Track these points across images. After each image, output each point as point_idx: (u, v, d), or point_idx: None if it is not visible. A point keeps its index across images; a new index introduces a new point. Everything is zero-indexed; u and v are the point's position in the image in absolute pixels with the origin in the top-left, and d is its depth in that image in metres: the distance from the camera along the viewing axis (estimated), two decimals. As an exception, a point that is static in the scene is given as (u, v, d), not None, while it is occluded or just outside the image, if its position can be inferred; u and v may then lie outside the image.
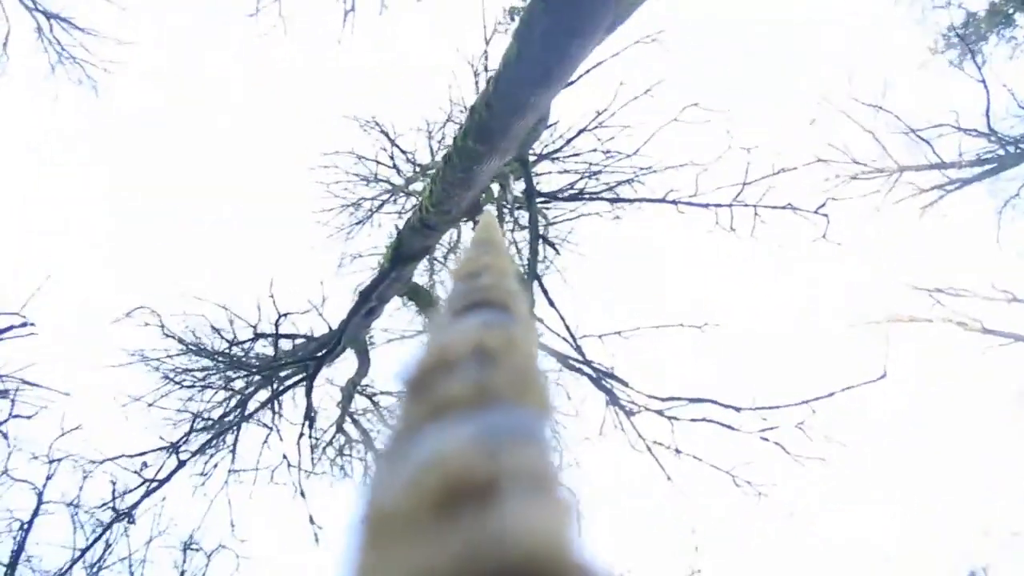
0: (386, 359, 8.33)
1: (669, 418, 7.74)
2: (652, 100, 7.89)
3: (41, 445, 6.88)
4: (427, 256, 6.01)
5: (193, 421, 7.14)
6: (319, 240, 8.72)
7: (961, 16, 12.26)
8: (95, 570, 7.20)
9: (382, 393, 8.44)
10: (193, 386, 7.64)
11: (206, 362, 7.71)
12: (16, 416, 6.33)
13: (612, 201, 7.69)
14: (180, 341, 7.40)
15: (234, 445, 7.47)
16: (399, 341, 8.17)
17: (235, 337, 7.75)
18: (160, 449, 6.89)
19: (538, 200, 7.77)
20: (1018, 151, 10.49)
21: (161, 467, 6.56)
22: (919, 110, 12.61)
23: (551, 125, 7.00)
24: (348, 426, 8.39)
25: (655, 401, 7.74)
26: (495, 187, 7.87)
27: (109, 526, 6.45)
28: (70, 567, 6.57)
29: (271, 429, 7.28)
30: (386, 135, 8.92)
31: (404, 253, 5.70)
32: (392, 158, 9.04)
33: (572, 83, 6.58)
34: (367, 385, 8.42)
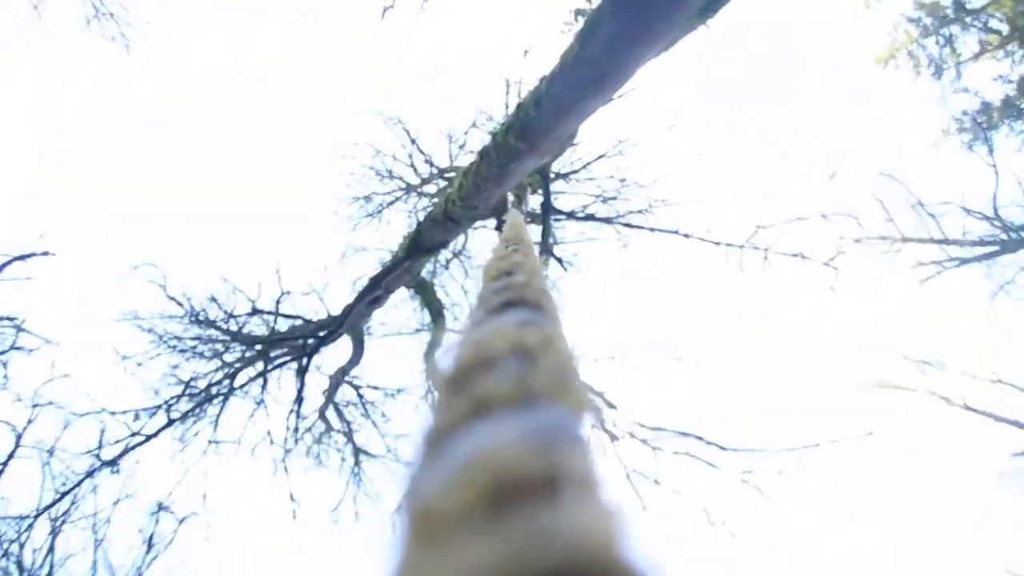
0: (379, 352, 8.35)
1: (653, 448, 7.78)
2: (676, 130, 8.04)
3: (26, 389, 6.83)
4: (442, 250, 6.06)
5: (185, 388, 7.12)
6: (327, 229, 8.76)
7: (977, 103, 12.56)
8: (59, 524, 7.12)
9: (369, 387, 8.43)
10: (184, 351, 7.61)
11: (200, 330, 7.70)
12: (18, 348, 6.28)
13: (626, 226, 7.78)
14: (179, 305, 7.38)
15: (217, 416, 7.43)
16: (395, 336, 8.20)
17: (233, 310, 7.74)
18: (149, 409, 6.86)
19: (553, 216, 7.85)
20: (1019, 238, 10.71)
21: (146, 424, 6.52)
22: (928, 184, 12.89)
23: (576, 144, 7.10)
24: (331, 415, 8.37)
25: (641, 429, 7.78)
26: (511, 196, 7.96)
27: (92, 473, 6.39)
28: (36, 516, 6.49)
29: (258, 404, 7.26)
30: (407, 133, 8.99)
31: (421, 244, 5.75)
32: (410, 157, 9.10)
33: (617, 99, 6.70)
34: (355, 376, 8.41)
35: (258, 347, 7.68)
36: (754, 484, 7.46)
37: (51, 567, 7.29)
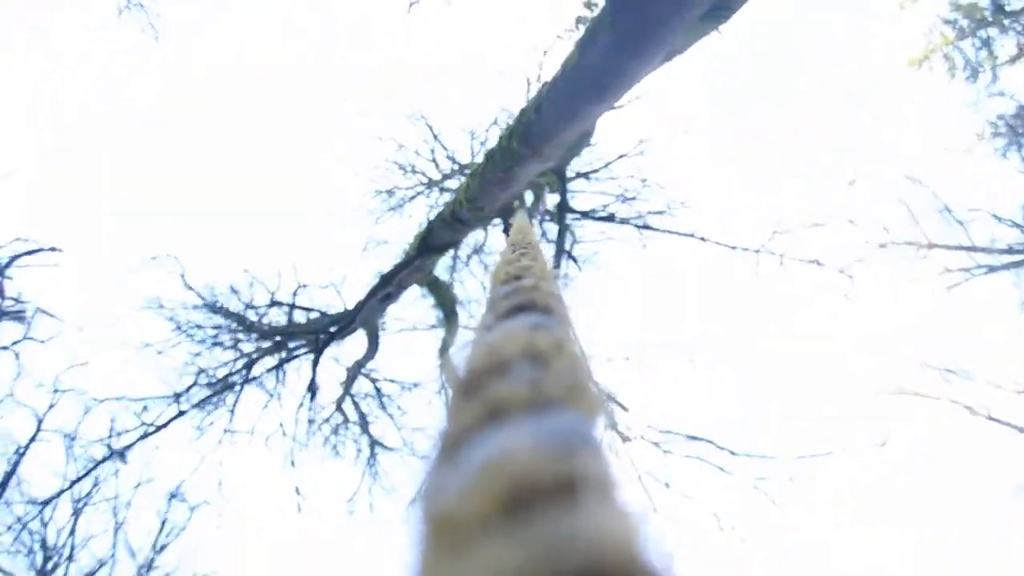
0: (394, 347, 8.41)
1: (664, 451, 7.76)
2: (693, 133, 8.00)
3: (47, 375, 7.02)
4: (452, 250, 6.10)
5: (198, 376, 7.25)
6: (347, 221, 8.85)
7: (1013, 107, 12.30)
8: (81, 505, 7.31)
9: (386, 380, 8.51)
10: (203, 341, 7.75)
11: (219, 320, 7.82)
12: (29, 338, 6.45)
13: (643, 228, 7.75)
14: (199, 295, 7.52)
15: (233, 406, 7.56)
16: (410, 331, 8.26)
17: (252, 300, 7.85)
18: (163, 397, 7.00)
19: (570, 216, 7.86)
20: (1050, 247, 10.48)
21: (159, 415, 6.66)
22: (958, 190, 12.65)
23: (593, 144, 7.09)
24: (347, 407, 8.47)
25: (652, 432, 7.77)
26: (529, 195, 7.98)
27: (100, 463, 6.55)
28: (58, 495, 6.67)
29: (272, 396, 7.37)
30: (430, 129, 9.05)
31: (431, 243, 5.79)
32: (432, 152, 9.16)
33: (620, 107, 6.69)
34: (372, 370, 8.50)
35: (276, 338, 7.79)
36: (765, 491, 7.43)
37: (72, 548, 7.51)
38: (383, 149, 9.05)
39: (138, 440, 6.57)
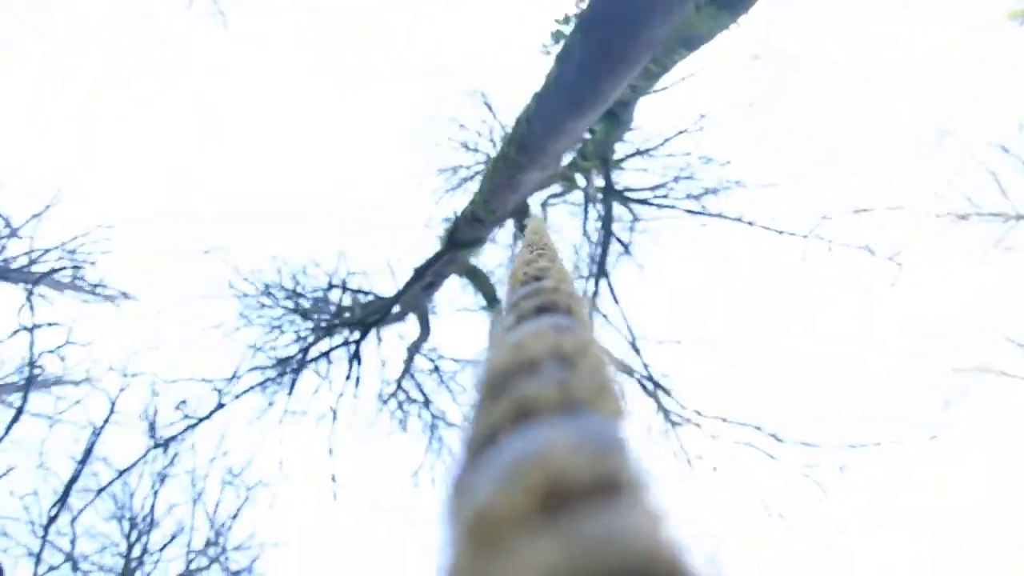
0: (453, 326, 8.58)
1: (712, 436, 7.69)
2: (748, 111, 7.74)
3: (114, 358, 7.56)
4: (480, 246, 6.17)
5: (255, 354, 7.63)
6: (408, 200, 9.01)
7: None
8: (161, 478, 7.86)
9: (444, 358, 8.72)
10: (265, 326, 8.13)
11: (288, 302, 8.17)
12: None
13: (688, 212, 7.60)
14: (257, 287, 7.87)
15: (291, 388, 7.92)
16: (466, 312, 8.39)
17: (304, 287, 8.15)
18: (229, 379, 7.40)
19: (616, 199, 7.78)
20: None
21: (199, 405, 7.09)
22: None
23: (633, 129, 6.97)
24: (408, 383, 8.73)
25: (701, 417, 7.70)
26: (580, 178, 7.93)
27: (145, 455, 7.03)
28: (131, 467, 7.17)
29: (323, 379, 7.69)
30: (488, 107, 9.05)
31: (458, 239, 5.88)
32: (491, 131, 9.18)
33: (658, 91, 6.54)
34: (431, 349, 8.71)
35: (336, 321, 8.09)
36: (815, 479, 7.27)
37: (152, 516, 8.11)
38: (444, 128, 9.12)
39: (183, 432, 7.03)
